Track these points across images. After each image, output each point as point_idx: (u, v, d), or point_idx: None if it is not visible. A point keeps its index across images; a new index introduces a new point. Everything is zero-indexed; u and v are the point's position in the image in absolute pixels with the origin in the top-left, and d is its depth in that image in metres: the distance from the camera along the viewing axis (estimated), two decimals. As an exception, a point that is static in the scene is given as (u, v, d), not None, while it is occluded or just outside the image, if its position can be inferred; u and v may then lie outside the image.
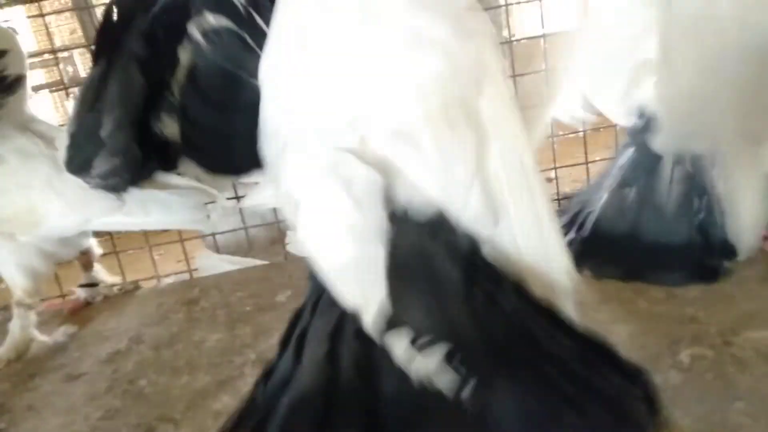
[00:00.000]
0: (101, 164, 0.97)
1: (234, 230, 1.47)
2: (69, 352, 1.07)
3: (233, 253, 1.55)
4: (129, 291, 1.33)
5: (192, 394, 0.85)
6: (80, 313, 1.23)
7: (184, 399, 0.84)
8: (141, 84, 0.90)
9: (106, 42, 0.91)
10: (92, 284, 1.27)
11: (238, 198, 1.45)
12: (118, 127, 0.94)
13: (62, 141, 0.99)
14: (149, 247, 1.44)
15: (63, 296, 1.34)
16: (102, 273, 1.30)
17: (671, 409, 0.63)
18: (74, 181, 0.97)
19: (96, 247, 1.25)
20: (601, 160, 1.42)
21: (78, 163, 0.97)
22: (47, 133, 1.06)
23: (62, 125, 1.10)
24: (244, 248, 1.56)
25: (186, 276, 1.44)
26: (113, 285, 1.31)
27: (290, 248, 1.54)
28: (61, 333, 1.12)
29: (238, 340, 1.00)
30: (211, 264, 1.45)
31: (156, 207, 1.05)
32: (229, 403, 0.81)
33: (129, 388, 0.90)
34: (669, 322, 0.84)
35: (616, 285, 0.95)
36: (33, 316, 1.10)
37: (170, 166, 1.04)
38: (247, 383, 0.85)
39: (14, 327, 1.08)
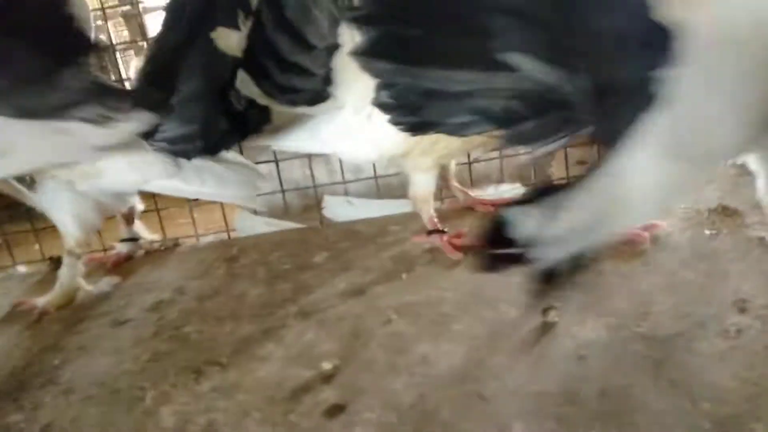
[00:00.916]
0: (169, 129, 0.99)
1: (272, 193, 1.49)
2: (114, 300, 1.10)
3: (269, 216, 1.57)
4: (169, 248, 1.36)
5: (237, 342, 0.87)
6: (122, 267, 1.27)
7: (230, 345, 0.87)
8: (231, 60, 0.93)
9: (183, 6, 0.92)
10: (133, 239, 1.30)
11: (276, 162, 1.48)
12: (194, 98, 0.96)
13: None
14: (189, 207, 1.46)
15: (104, 250, 1.38)
16: (142, 229, 1.33)
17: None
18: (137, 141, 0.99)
19: (138, 203, 1.28)
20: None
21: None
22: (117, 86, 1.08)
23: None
24: (280, 212, 1.58)
25: (224, 236, 1.47)
26: (153, 241, 1.35)
27: (326, 212, 1.57)
28: (105, 283, 1.16)
29: (278, 295, 1.02)
30: (249, 224, 1.48)
31: (211, 178, 1.07)
32: (274, 350, 0.83)
33: (175, 334, 0.93)
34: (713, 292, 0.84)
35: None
36: (81, 266, 1.13)
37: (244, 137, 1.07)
38: (291, 333, 0.88)
39: (63, 275, 1.12)
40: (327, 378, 0.75)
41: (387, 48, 0.67)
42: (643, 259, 0.93)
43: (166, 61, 0.97)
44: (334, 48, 0.99)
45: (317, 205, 1.58)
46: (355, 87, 1.02)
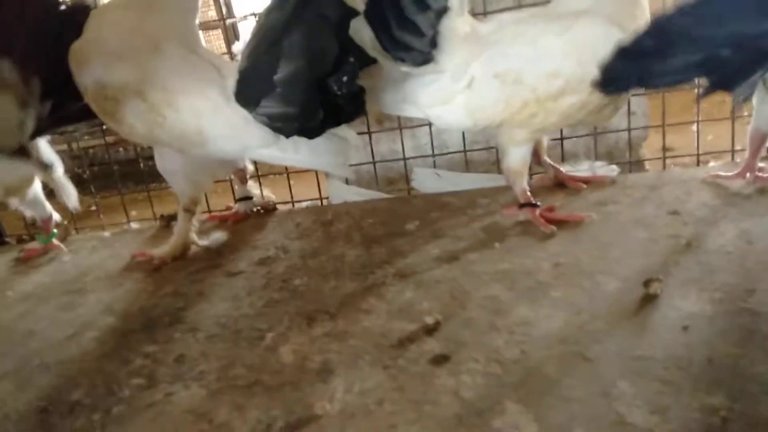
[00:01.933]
0: (270, 105, 1.05)
1: (362, 164, 1.55)
2: (225, 255, 1.20)
3: (358, 185, 1.63)
4: (268, 211, 1.45)
5: (342, 296, 0.94)
6: (227, 227, 1.37)
7: (335, 298, 0.93)
8: (334, 49, 0.97)
9: None
10: (248, 197, 1.40)
11: (369, 133, 1.53)
12: (296, 80, 1.01)
13: (230, 72, 1.08)
14: (287, 174, 1.55)
15: (210, 212, 1.49)
16: (254, 188, 1.43)
17: None
18: (240, 111, 1.06)
19: (249, 164, 1.37)
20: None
21: (246, 97, 1.06)
22: (214, 61, 1.15)
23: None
24: (369, 183, 1.64)
25: (317, 203, 1.54)
26: (269, 199, 1.44)
27: (414, 184, 1.61)
28: (215, 239, 1.26)
29: (375, 257, 1.08)
30: (341, 193, 1.55)
31: (305, 147, 1.13)
32: (376, 304, 0.89)
33: (284, 285, 1.01)
34: None
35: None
36: (195, 222, 1.24)
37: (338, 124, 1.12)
38: (391, 291, 0.93)
39: (178, 229, 1.23)
40: (430, 331, 0.79)
41: None
42: (747, 238, 0.92)
43: (272, 39, 1.03)
44: (444, 10, 1.02)
45: (404, 178, 1.62)
46: (458, 53, 1.05)
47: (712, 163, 1.38)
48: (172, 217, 1.50)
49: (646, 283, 0.81)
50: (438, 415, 0.63)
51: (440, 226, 1.18)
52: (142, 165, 1.67)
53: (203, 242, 1.25)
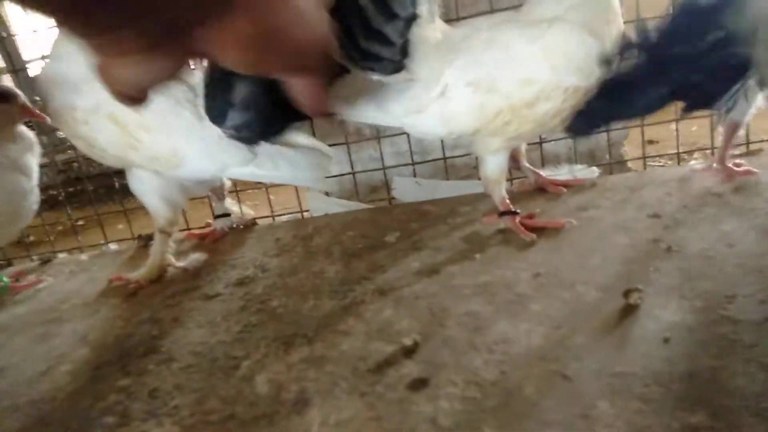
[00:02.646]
0: (233, 118, 1.04)
1: (342, 175, 1.53)
2: (202, 276, 1.18)
3: (339, 196, 1.62)
4: (248, 226, 1.43)
5: (320, 316, 0.92)
6: (205, 245, 1.35)
7: (314, 320, 0.91)
8: None
9: None
10: (226, 214, 1.38)
11: (347, 144, 1.51)
12: (247, 85, 0.99)
13: (201, 90, 1.07)
14: (266, 188, 1.53)
15: (188, 229, 1.47)
16: (232, 204, 1.41)
17: None
18: (214, 130, 1.04)
19: (226, 180, 1.35)
20: None
21: (215, 113, 1.04)
22: (189, 80, 1.13)
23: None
24: (349, 193, 1.62)
25: (298, 216, 1.52)
26: (246, 215, 1.42)
27: (395, 193, 1.60)
28: (194, 259, 1.24)
29: (355, 273, 1.06)
30: (322, 205, 1.53)
31: (284, 163, 1.11)
32: (355, 324, 0.87)
33: (262, 308, 0.99)
34: None
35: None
36: (171, 244, 1.21)
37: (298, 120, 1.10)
38: (369, 309, 0.91)
39: (154, 251, 1.20)
40: (408, 353, 0.78)
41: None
42: (727, 241, 0.91)
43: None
44: (412, 18, 1.00)
45: (385, 186, 1.61)
46: (430, 61, 1.03)
47: (693, 161, 1.37)
48: (150, 237, 1.47)
49: (626, 294, 0.80)
50: (415, 445, 0.61)
51: (420, 237, 1.17)
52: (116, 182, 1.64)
53: (181, 264, 1.23)
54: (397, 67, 1.03)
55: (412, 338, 0.80)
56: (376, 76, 1.04)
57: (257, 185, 1.55)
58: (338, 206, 1.51)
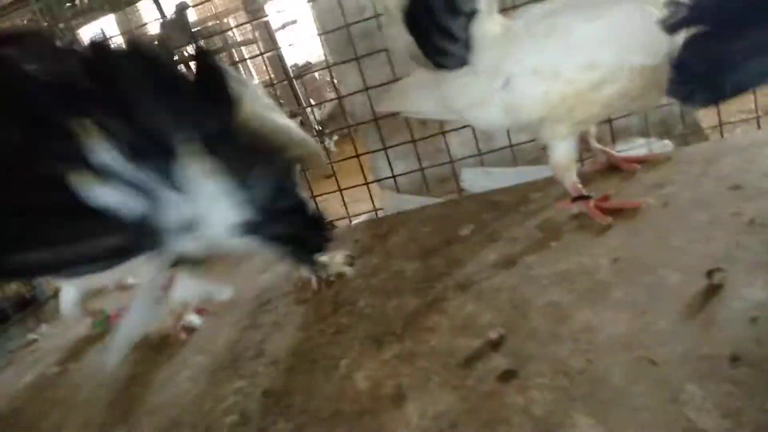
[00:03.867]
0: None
1: (410, 172, 1.58)
2: (290, 280, 1.27)
3: (408, 191, 1.67)
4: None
5: (405, 315, 0.98)
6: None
7: (400, 318, 0.97)
8: None
9: None
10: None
11: (414, 141, 1.56)
12: None
13: None
14: (340, 191, 1.61)
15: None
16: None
17: None
18: None
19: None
20: None
21: None
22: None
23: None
24: (419, 188, 1.67)
25: (372, 215, 1.59)
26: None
27: (464, 185, 1.63)
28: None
29: (433, 270, 1.11)
30: (394, 203, 1.59)
31: None
32: (440, 320, 0.92)
33: (351, 309, 1.06)
34: None
35: None
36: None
37: None
38: (452, 305, 0.96)
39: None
40: (495, 346, 0.82)
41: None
42: (818, 211, 0.88)
43: None
44: (473, 13, 1.03)
45: (454, 177, 1.64)
46: (491, 53, 1.06)
47: (772, 124, 1.31)
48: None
49: (709, 274, 0.80)
50: (510, 434, 0.66)
51: (495, 228, 1.20)
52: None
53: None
54: (463, 61, 1.06)
55: (497, 331, 0.84)
56: (445, 72, 1.08)
57: (331, 189, 1.62)
58: (410, 203, 1.56)
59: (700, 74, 0.94)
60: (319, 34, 1.94)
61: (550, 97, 1.04)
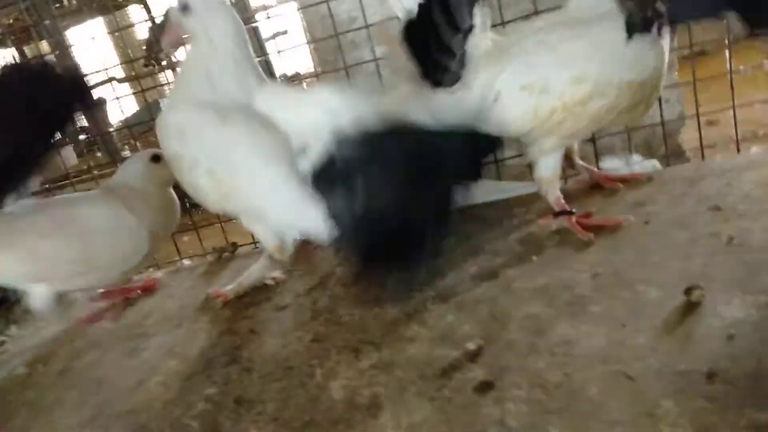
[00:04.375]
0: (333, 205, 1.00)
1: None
2: (271, 287, 1.25)
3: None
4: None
5: (384, 323, 0.97)
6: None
7: (379, 327, 0.96)
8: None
9: None
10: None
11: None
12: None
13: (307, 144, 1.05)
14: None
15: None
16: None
17: None
18: (298, 193, 0.98)
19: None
20: None
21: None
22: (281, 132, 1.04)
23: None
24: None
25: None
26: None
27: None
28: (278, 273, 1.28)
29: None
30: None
31: None
32: (419, 331, 0.92)
33: (329, 317, 1.04)
34: None
35: None
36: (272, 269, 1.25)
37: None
38: (432, 315, 0.95)
39: (253, 272, 1.24)
40: (473, 357, 0.81)
41: None
42: (795, 233, 0.89)
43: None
44: (469, 30, 1.04)
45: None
46: (483, 70, 1.06)
47: (754, 149, 1.33)
48: (224, 250, 1.57)
49: (688, 291, 0.80)
50: (485, 446, 0.65)
51: (477, 241, 1.20)
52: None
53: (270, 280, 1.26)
54: (457, 77, 1.07)
55: (476, 342, 0.83)
56: (440, 90, 1.08)
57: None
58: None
59: None
60: (308, 43, 1.95)
61: (540, 110, 1.05)
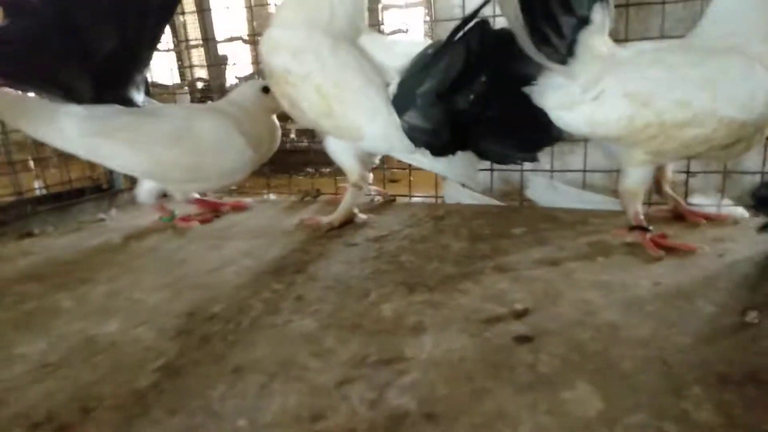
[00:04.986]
0: (411, 117, 1.18)
1: (480, 170, 1.63)
2: (345, 229, 1.35)
3: (474, 191, 1.72)
4: (388, 201, 1.59)
5: (441, 276, 1.03)
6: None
7: (435, 276, 1.03)
8: (457, 67, 1.10)
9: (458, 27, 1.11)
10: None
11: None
12: (428, 92, 1.14)
13: (391, 78, 1.21)
14: (409, 171, 1.68)
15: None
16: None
17: None
18: (393, 117, 1.20)
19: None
20: None
21: (399, 105, 1.19)
22: (379, 65, 1.25)
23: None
24: (484, 190, 1.72)
25: (432, 200, 1.65)
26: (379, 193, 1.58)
27: (529, 193, 1.66)
28: (365, 217, 1.41)
29: (478, 251, 1.16)
30: (455, 194, 1.64)
31: (443, 158, 1.24)
32: (472, 287, 0.97)
33: (392, 259, 1.12)
34: None
35: None
36: (361, 195, 1.38)
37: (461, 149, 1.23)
38: (487, 279, 1.01)
39: (346, 201, 1.37)
40: (518, 316, 0.86)
41: None
42: None
43: (425, 62, 1.17)
44: (584, 20, 1.08)
45: (519, 191, 1.68)
46: (592, 66, 1.10)
47: None
48: (308, 194, 1.69)
49: (744, 311, 0.81)
50: (513, 378, 0.70)
51: (546, 236, 1.24)
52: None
53: (362, 217, 1.39)
54: (562, 60, 1.11)
55: (524, 305, 0.88)
56: (538, 57, 1.13)
57: (402, 166, 1.70)
58: (471, 198, 1.61)
59: None
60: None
61: (635, 121, 1.07)
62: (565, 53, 1.09)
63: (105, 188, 1.79)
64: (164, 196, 1.48)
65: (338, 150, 1.32)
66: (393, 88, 1.20)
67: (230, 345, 0.81)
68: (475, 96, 1.13)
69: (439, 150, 1.23)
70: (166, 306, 0.95)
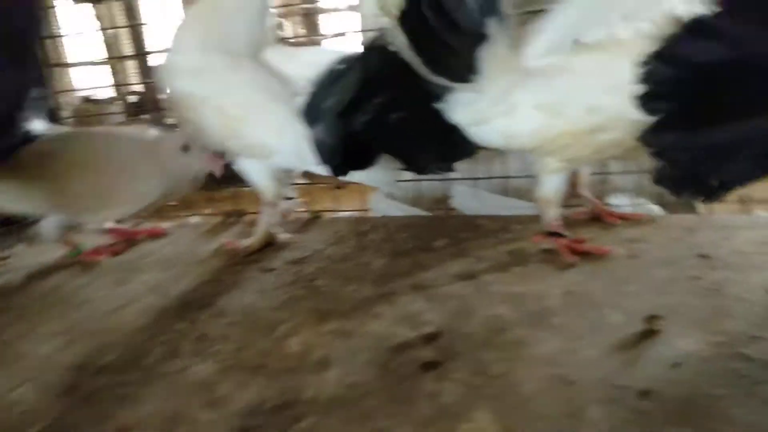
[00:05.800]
0: (319, 132, 1.14)
1: (408, 181, 1.62)
2: (264, 252, 1.30)
3: (401, 201, 1.70)
4: (312, 219, 1.54)
5: (357, 299, 1.00)
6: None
7: (351, 300, 0.99)
8: (355, 88, 1.07)
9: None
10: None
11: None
12: (329, 110, 1.10)
13: (299, 91, 1.16)
14: (335, 186, 1.65)
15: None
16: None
17: None
18: (302, 131, 1.14)
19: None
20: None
21: (308, 117, 1.14)
22: (283, 78, 1.21)
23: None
24: (412, 199, 1.70)
25: (360, 213, 1.62)
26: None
27: (454, 202, 1.65)
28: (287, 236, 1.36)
29: (398, 268, 1.13)
30: (383, 207, 1.62)
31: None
32: (386, 310, 0.94)
33: (308, 284, 1.08)
34: None
35: None
36: (276, 215, 1.33)
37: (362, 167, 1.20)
38: (403, 299, 0.98)
39: (262, 222, 1.31)
40: (428, 339, 0.84)
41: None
42: (770, 287, 0.89)
43: (333, 78, 1.12)
44: (480, 37, 1.06)
45: (446, 198, 1.67)
46: (499, 80, 1.09)
47: (761, 212, 1.33)
48: (230, 214, 1.63)
49: (649, 319, 0.81)
50: (413, 414, 0.67)
51: (467, 246, 1.22)
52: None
53: (284, 236, 1.34)
54: (464, 78, 1.09)
55: (436, 327, 0.86)
56: (445, 82, 1.11)
57: (327, 181, 1.67)
58: (398, 210, 1.59)
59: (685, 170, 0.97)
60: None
61: (548, 131, 1.07)
62: (466, 72, 1.07)
63: (10, 222, 1.67)
64: (71, 228, 1.39)
65: (250, 169, 1.27)
66: (303, 99, 1.16)
67: (118, 400, 0.75)
68: (369, 118, 1.09)
69: (335, 169, 1.19)
70: (57, 358, 0.89)
